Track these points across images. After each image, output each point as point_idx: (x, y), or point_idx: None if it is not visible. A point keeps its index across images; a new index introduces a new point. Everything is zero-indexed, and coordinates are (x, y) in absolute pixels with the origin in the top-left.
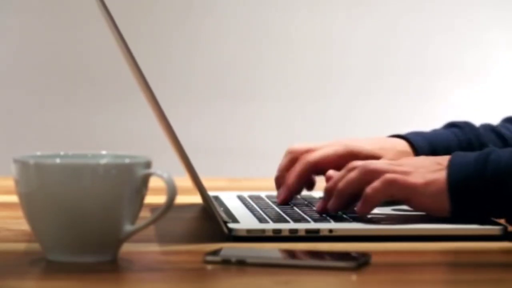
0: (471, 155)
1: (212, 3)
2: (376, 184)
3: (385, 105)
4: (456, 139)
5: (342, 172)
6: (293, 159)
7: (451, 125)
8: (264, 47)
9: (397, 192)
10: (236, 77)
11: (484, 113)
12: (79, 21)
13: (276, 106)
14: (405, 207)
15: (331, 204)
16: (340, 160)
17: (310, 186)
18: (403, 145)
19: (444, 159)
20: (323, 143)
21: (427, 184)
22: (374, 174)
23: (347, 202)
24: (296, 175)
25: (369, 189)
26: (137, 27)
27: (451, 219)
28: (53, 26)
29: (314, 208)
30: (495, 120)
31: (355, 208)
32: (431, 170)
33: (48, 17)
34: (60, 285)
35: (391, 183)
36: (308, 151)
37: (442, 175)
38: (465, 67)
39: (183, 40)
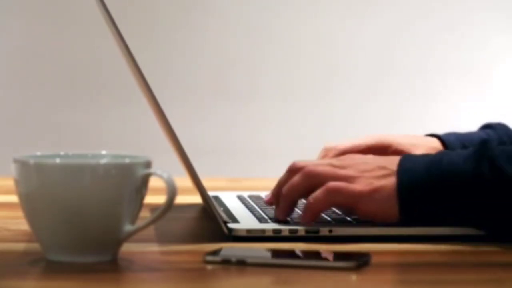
0: (422, 160)
1: (214, 3)
2: (318, 193)
3: (388, 107)
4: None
5: (285, 174)
6: (327, 155)
7: (485, 126)
8: (265, 47)
9: (342, 201)
10: (237, 77)
11: (488, 115)
12: (79, 22)
13: (276, 106)
14: None
15: (278, 211)
16: (370, 151)
17: None
18: (435, 142)
19: (390, 163)
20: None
21: (373, 191)
22: (317, 178)
23: (293, 207)
24: None
25: (311, 198)
26: (137, 27)
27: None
28: (53, 27)
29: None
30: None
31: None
32: (377, 175)
33: (49, 18)
34: (60, 285)
35: (335, 192)
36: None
37: (389, 181)
38: (471, 69)
39: (183, 40)
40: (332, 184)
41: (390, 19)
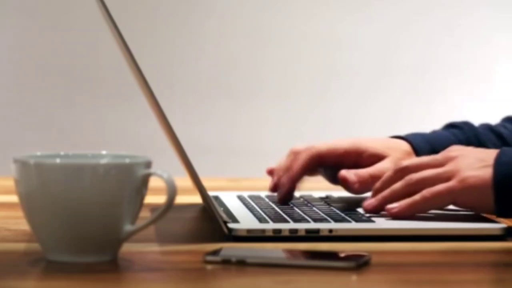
0: None
1: (213, 3)
2: (417, 200)
3: (388, 107)
4: (455, 139)
5: (390, 174)
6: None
7: (450, 126)
8: (266, 46)
9: (440, 203)
10: (237, 77)
11: (489, 114)
12: (78, 21)
13: (277, 106)
14: None
15: (371, 205)
16: (345, 155)
17: (312, 173)
18: (406, 146)
19: (488, 155)
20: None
21: (468, 183)
22: (418, 185)
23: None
24: (301, 163)
25: (413, 204)
26: (137, 26)
27: (452, 218)
28: (53, 27)
29: (315, 209)
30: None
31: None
32: (475, 167)
33: (49, 17)
34: (60, 285)
35: (433, 198)
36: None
37: (486, 172)
38: (471, 68)
39: (183, 39)
40: (428, 191)
41: (390, 19)
